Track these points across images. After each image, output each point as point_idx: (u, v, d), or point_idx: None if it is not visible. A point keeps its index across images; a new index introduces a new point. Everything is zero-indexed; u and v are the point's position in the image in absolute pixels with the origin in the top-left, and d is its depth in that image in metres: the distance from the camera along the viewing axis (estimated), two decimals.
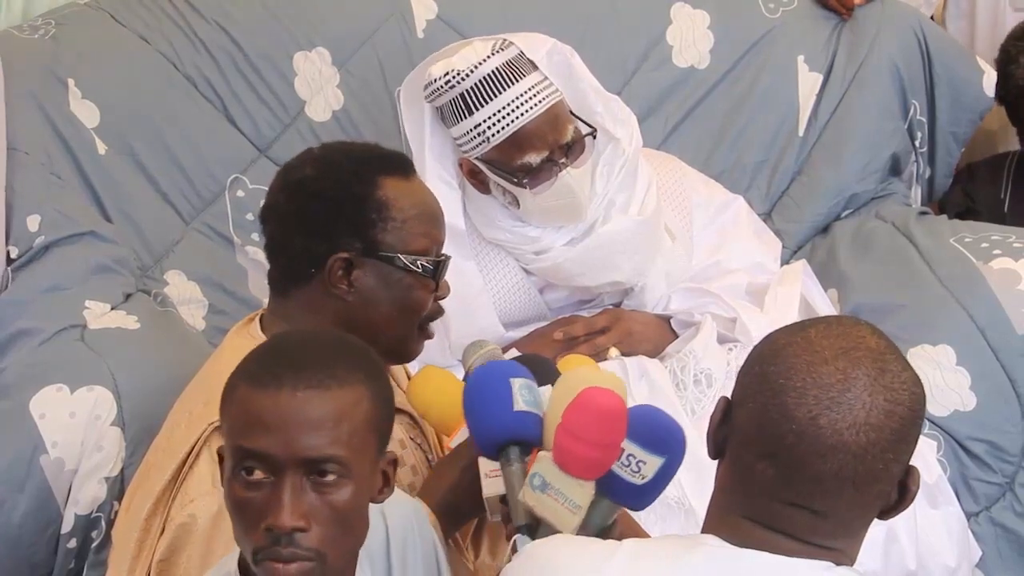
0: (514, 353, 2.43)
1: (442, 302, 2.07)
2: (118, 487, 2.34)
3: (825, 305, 2.77)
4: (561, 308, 2.71)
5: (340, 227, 1.95)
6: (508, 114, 2.41)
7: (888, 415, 1.42)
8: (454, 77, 2.42)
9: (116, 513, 2.17)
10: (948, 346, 2.57)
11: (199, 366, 2.08)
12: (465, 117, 2.43)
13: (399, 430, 2.00)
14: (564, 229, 2.57)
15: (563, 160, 2.46)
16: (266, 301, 2.07)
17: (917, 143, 3.16)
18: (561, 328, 2.62)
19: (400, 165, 2.03)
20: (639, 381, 2.49)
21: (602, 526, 1.69)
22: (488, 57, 2.42)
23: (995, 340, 2.57)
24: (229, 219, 2.91)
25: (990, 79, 3.17)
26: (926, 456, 2.48)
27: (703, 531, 1.52)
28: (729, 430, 1.50)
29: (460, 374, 2.03)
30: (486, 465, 1.76)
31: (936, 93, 3.14)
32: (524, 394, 1.73)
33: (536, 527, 1.67)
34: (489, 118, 2.41)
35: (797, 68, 3.11)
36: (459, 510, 1.88)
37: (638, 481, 1.66)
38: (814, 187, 3.04)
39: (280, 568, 1.42)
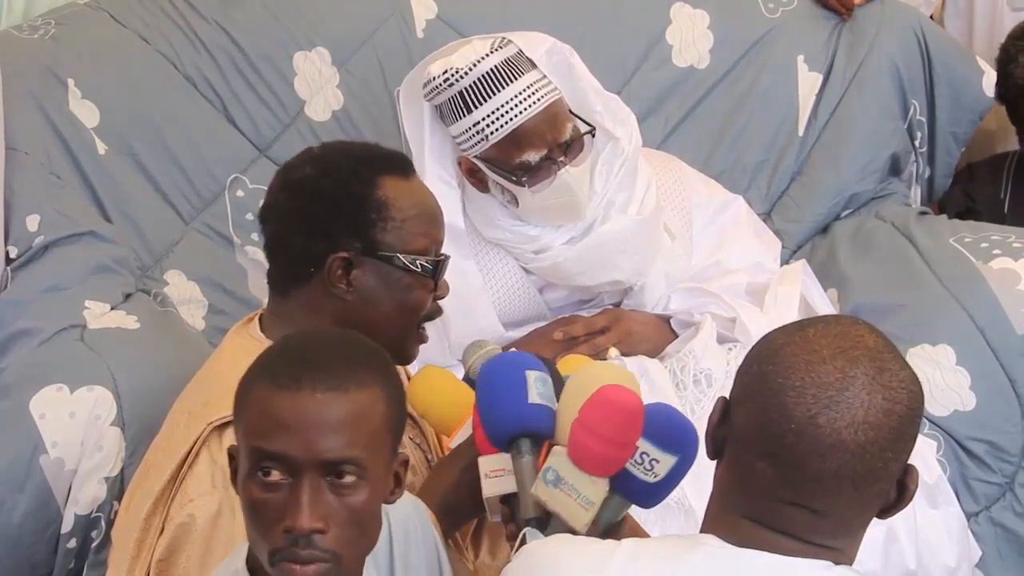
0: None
1: (442, 302, 2.07)
2: (118, 487, 2.34)
3: (825, 305, 2.77)
4: (561, 308, 2.71)
5: (340, 226, 1.95)
6: (507, 112, 2.41)
7: (887, 414, 1.42)
8: (453, 75, 2.42)
9: (116, 513, 2.17)
10: (948, 346, 2.57)
11: (199, 366, 2.08)
12: (464, 115, 2.43)
13: None
14: (563, 228, 2.57)
15: (562, 158, 2.46)
16: (266, 301, 2.07)
17: (917, 143, 3.16)
18: (561, 328, 2.62)
19: (400, 165, 2.03)
20: (639, 381, 2.48)
21: (612, 522, 1.70)
22: (487, 55, 2.42)
23: (995, 340, 2.57)
24: (229, 219, 2.91)
25: (990, 79, 3.17)
26: (926, 456, 2.48)
27: (702, 531, 1.52)
28: (728, 430, 1.50)
29: (460, 374, 2.03)
30: (486, 465, 1.77)
31: (936, 93, 3.14)
32: (539, 387, 1.73)
33: (546, 521, 1.68)
34: (488, 116, 2.41)
35: (797, 68, 3.11)
36: (459, 510, 1.88)
37: (651, 479, 1.67)
38: (814, 187, 3.04)
39: (297, 569, 1.42)
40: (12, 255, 2.61)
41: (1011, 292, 2.61)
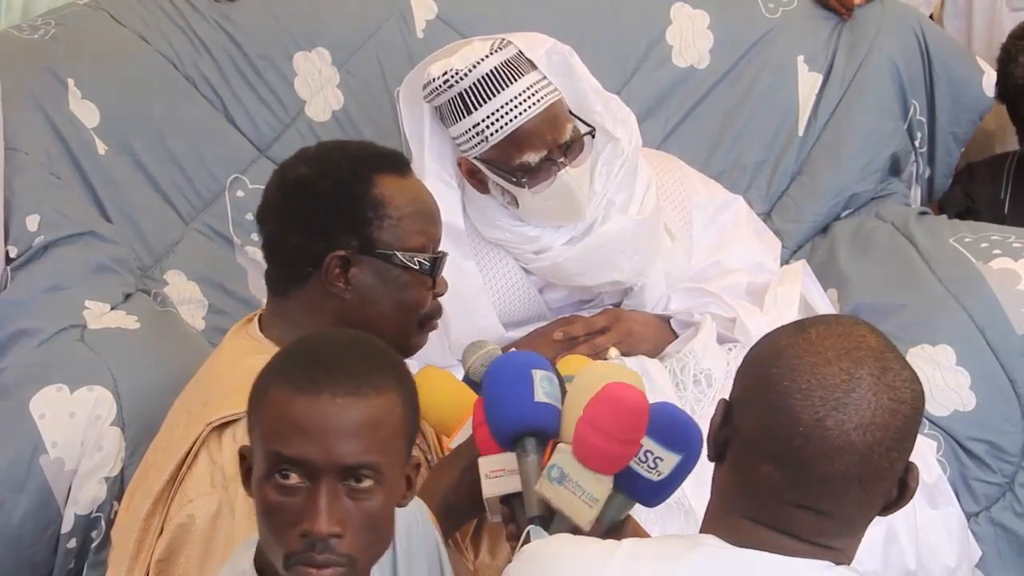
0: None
1: (442, 303, 2.07)
2: (118, 487, 2.34)
3: (825, 305, 2.77)
4: (561, 308, 2.71)
5: (337, 225, 1.96)
6: (507, 113, 2.41)
7: (892, 414, 1.43)
8: (453, 76, 2.42)
9: (116, 513, 2.17)
10: (948, 346, 2.57)
11: (199, 366, 2.08)
12: (464, 116, 2.43)
13: None
14: (563, 228, 2.56)
15: (562, 159, 2.46)
16: (265, 301, 2.07)
17: (917, 143, 3.16)
18: (561, 328, 2.62)
19: (396, 163, 2.03)
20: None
21: (615, 521, 1.71)
22: (487, 56, 2.42)
23: (995, 340, 2.57)
24: (229, 219, 2.91)
25: (990, 79, 3.17)
26: (926, 456, 2.48)
27: (702, 531, 1.52)
28: (730, 432, 1.50)
29: (460, 374, 2.03)
30: (486, 466, 1.77)
31: (936, 93, 3.15)
32: (545, 386, 1.74)
33: (550, 519, 1.68)
34: (488, 117, 2.41)
35: (797, 68, 3.11)
36: (459, 510, 1.88)
37: (654, 477, 1.68)
38: (814, 187, 3.04)
39: (314, 573, 1.42)
40: (12, 255, 2.61)
41: (1011, 292, 2.61)
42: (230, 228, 2.90)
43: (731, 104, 3.10)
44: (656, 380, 2.49)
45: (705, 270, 2.76)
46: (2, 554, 2.33)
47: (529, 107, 2.41)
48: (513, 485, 1.74)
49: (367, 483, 1.44)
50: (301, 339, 1.56)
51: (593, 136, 2.52)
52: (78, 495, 2.36)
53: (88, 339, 2.48)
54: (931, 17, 3.48)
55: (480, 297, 2.59)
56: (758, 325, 2.56)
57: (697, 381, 2.53)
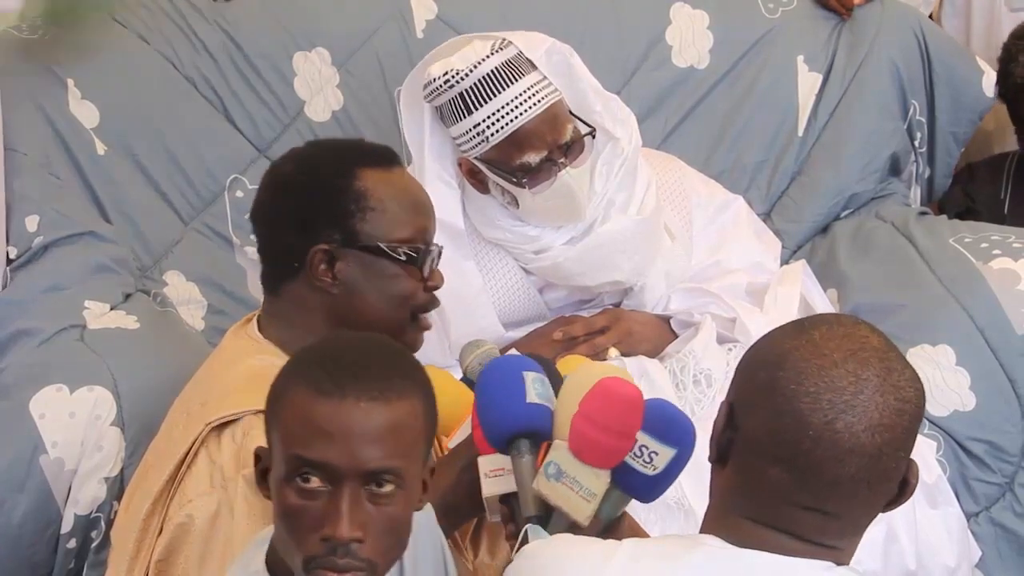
0: (513, 353, 2.43)
1: (443, 303, 2.07)
2: (118, 487, 2.35)
3: (825, 305, 2.77)
4: (561, 308, 2.71)
5: (318, 219, 1.96)
6: (507, 113, 2.41)
7: (899, 414, 1.43)
8: (453, 76, 2.42)
9: (116, 513, 2.17)
10: (948, 346, 2.57)
11: (199, 366, 2.08)
12: (464, 117, 2.43)
13: None
14: (563, 229, 2.56)
15: (562, 160, 2.45)
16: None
17: (917, 143, 3.16)
18: (561, 328, 2.62)
19: (381, 157, 2.03)
20: (639, 381, 2.48)
21: (611, 518, 1.71)
22: (487, 57, 2.42)
23: (995, 340, 2.57)
24: (228, 219, 2.91)
25: (989, 79, 3.17)
26: (926, 456, 2.48)
27: (702, 532, 1.52)
28: (733, 435, 1.50)
29: (459, 374, 2.03)
30: (485, 465, 1.77)
31: (936, 93, 3.14)
32: (537, 387, 1.74)
33: (547, 518, 1.69)
34: (488, 117, 2.41)
35: (797, 68, 3.11)
36: (458, 510, 1.88)
37: (650, 472, 1.68)
38: (814, 187, 3.04)
39: None
40: (11, 255, 2.61)
41: (1011, 292, 2.61)
42: (229, 228, 2.90)
43: (731, 104, 3.10)
44: (656, 380, 2.49)
45: (705, 270, 2.76)
46: (2, 554, 2.33)
47: (530, 107, 2.41)
48: (512, 484, 1.74)
49: (388, 488, 1.44)
50: (322, 341, 1.56)
51: (593, 136, 2.51)
52: (78, 495, 2.36)
53: (88, 339, 2.48)
54: (930, 17, 3.48)
55: (480, 297, 2.59)
56: (758, 325, 2.56)
57: (697, 381, 2.53)
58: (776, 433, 1.44)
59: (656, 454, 1.68)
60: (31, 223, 2.63)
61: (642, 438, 1.67)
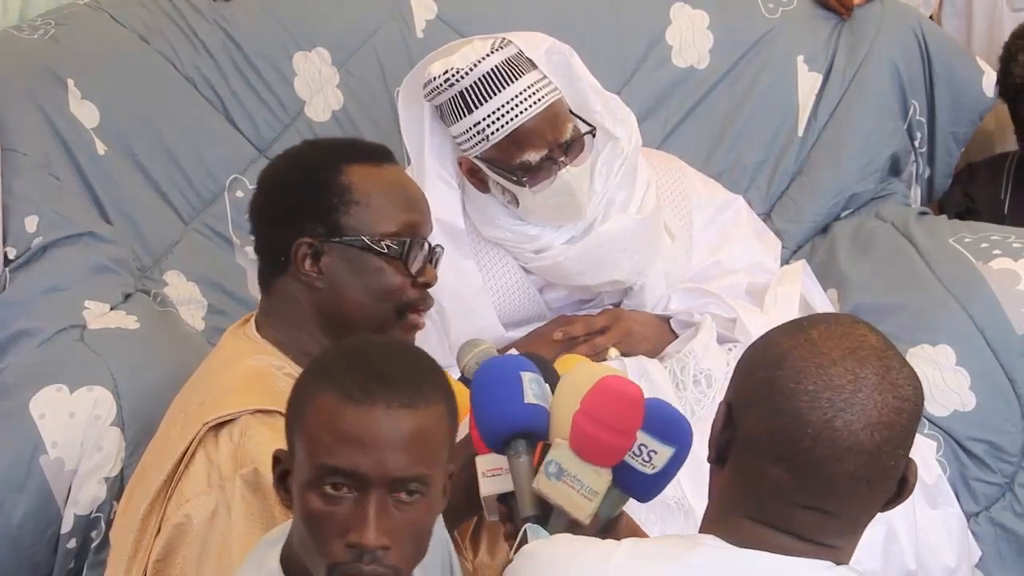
0: (513, 353, 2.43)
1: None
2: (118, 487, 2.35)
3: (825, 305, 2.77)
4: (561, 308, 2.70)
5: (302, 214, 1.98)
6: (507, 112, 2.41)
7: (897, 412, 1.43)
8: (453, 75, 2.42)
9: (115, 513, 2.17)
10: (948, 346, 2.57)
11: (198, 366, 2.08)
12: (464, 115, 2.43)
13: None
14: (563, 228, 2.56)
15: (562, 158, 2.45)
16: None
17: (917, 143, 3.16)
18: (561, 328, 2.62)
19: (371, 153, 2.05)
20: (639, 381, 2.46)
21: (610, 516, 1.72)
22: (487, 55, 2.42)
23: (995, 340, 2.57)
24: (228, 219, 2.91)
25: (990, 79, 3.17)
26: (926, 456, 2.48)
27: (701, 532, 1.52)
28: (732, 435, 1.50)
29: (459, 374, 2.03)
30: (483, 464, 1.77)
31: (936, 93, 3.14)
32: (534, 388, 1.74)
33: (545, 518, 1.69)
34: (488, 116, 2.41)
35: (797, 68, 3.11)
36: (456, 510, 1.87)
37: (649, 471, 1.68)
38: (814, 187, 3.04)
39: None
40: (11, 256, 2.61)
41: (1011, 292, 2.61)
42: (229, 228, 2.90)
43: (731, 104, 3.10)
44: (656, 380, 2.49)
45: (705, 270, 2.76)
46: (2, 554, 2.34)
47: (530, 106, 2.41)
48: (510, 484, 1.74)
49: (414, 495, 1.44)
50: (345, 345, 1.55)
51: (593, 135, 2.51)
52: (78, 495, 2.36)
53: (88, 339, 2.48)
54: (930, 18, 3.47)
55: (480, 297, 2.59)
56: (758, 325, 2.55)
57: (697, 381, 2.53)
58: (775, 432, 1.44)
59: (655, 453, 1.68)
60: (30, 223, 2.63)
61: (641, 437, 1.68)
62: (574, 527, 1.67)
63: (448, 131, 2.49)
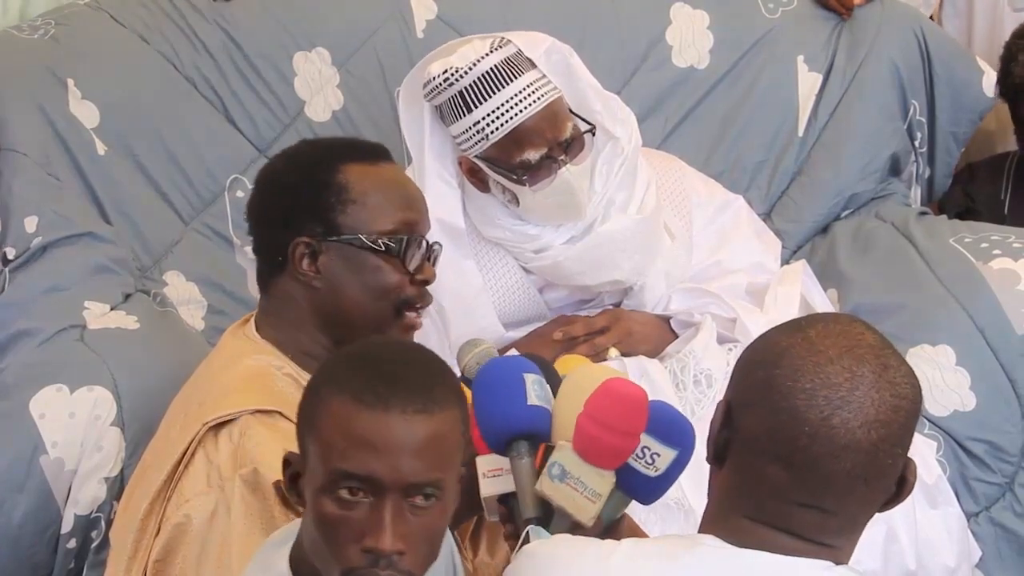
0: (513, 353, 2.43)
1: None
2: (118, 487, 2.34)
3: (825, 305, 2.77)
4: (561, 308, 2.70)
5: (299, 213, 1.98)
6: (507, 111, 2.41)
7: (895, 410, 1.44)
8: (453, 75, 2.42)
9: (116, 513, 2.17)
10: (948, 346, 2.57)
11: (198, 366, 2.08)
12: (464, 115, 2.43)
13: None
14: (564, 227, 2.56)
15: (562, 157, 2.45)
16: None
17: (917, 143, 3.16)
18: (561, 328, 2.62)
19: (367, 152, 2.05)
20: (639, 381, 2.46)
21: (612, 518, 1.72)
22: (486, 55, 2.42)
23: (995, 340, 2.57)
24: (228, 219, 2.91)
25: (990, 79, 3.16)
26: (926, 456, 2.48)
27: (700, 532, 1.52)
28: (730, 434, 1.50)
29: (458, 374, 2.03)
30: (484, 465, 1.77)
31: (936, 93, 3.14)
32: (537, 389, 1.74)
33: (547, 520, 1.69)
34: (488, 115, 2.41)
35: (797, 68, 3.11)
36: (457, 510, 1.88)
37: (652, 473, 1.69)
38: (814, 187, 3.04)
39: None
40: (10, 256, 2.61)
41: (1011, 292, 2.61)
42: (229, 228, 2.90)
43: (731, 104, 3.09)
44: (656, 380, 2.49)
45: (705, 270, 2.76)
46: (2, 554, 2.34)
47: (529, 104, 2.41)
48: (510, 484, 1.74)
49: (430, 500, 1.44)
50: (356, 348, 1.55)
51: (593, 134, 2.51)
52: (78, 495, 2.36)
53: (88, 339, 2.48)
54: (931, 18, 3.47)
55: (480, 297, 2.59)
56: (758, 325, 2.55)
57: (697, 381, 2.53)
58: (773, 430, 1.44)
59: (658, 455, 1.68)
60: (30, 224, 2.63)
61: (644, 439, 1.68)
62: (576, 529, 1.67)
63: (448, 131, 2.49)
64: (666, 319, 2.69)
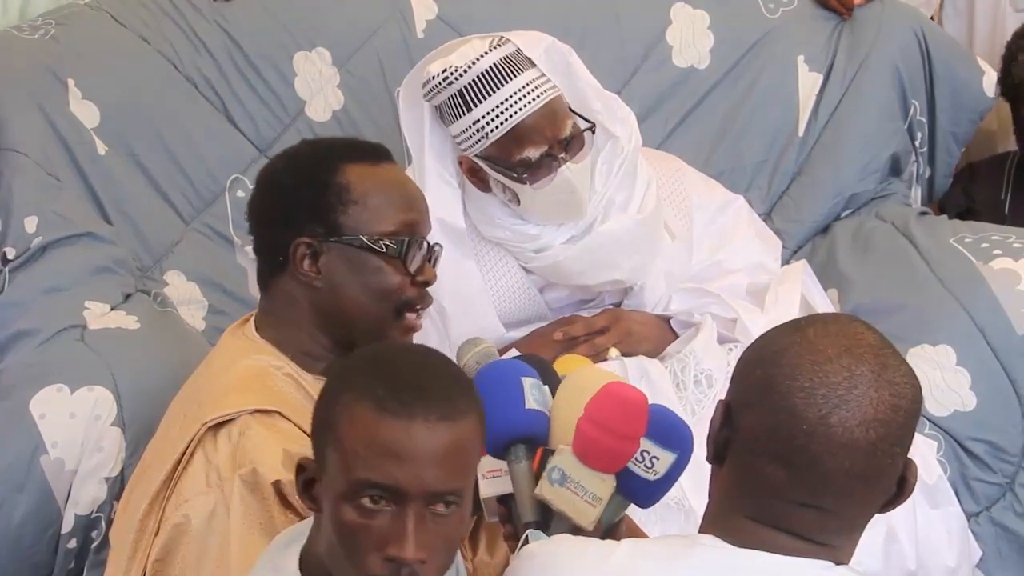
0: (514, 353, 2.43)
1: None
2: (118, 487, 2.34)
3: (825, 305, 2.77)
4: (561, 308, 2.70)
5: (300, 213, 1.98)
6: (506, 109, 2.41)
7: (894, 409, 1.44)
8: (452, 74, 2.42)
9: (115, 513, 2.17)
10: (948, 346, 2.57)
11: (199, 366, 2.08)
12: (464, 114, 2.43)
13: None
14: (564, 227, 2.56)
15: (562, 155, 2.45)
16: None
17: (917, 143, 3.16)
18: (561, 328, 2.62)
19: (368, 152, 2.05)
20: (639, 381, 2.48)
21: (611, 522, 1.72)
22: (485, 53, 2.42)
23: (995, 340, 2.57)
24: (229, 219, 2.91)
25: (990, 79, 3.16)
26: (926, 456, 2.48)
27: (700, 531, 1.52)
28: (731, 434, 1.50)
29: None
30: (483, 466, 1.76)
31: (936, 93, 3.14)
32: (534, 393, 1.74)
33: (546, 523, 1.69)
34: (487, 114, 2.41)
35: (797, 68, 3.11)
36: None
37: (651, 477, 1.69)
38: (814, 187, 3.04)
39: None
40: (10, 256, 2.61)
41: (1011, 292, 2.61)
42: (230, 228, 2.90)
43: (731, 104, 3.09)
44: (656, 380, 2.49)
45: (705, 270, 2.76)
46: (2, 554, 2.34)
47: (529, 103, 2.41)
48: (510, 485, 1.74)
49: (451, 507, 1.44)
50: (372, 354, 1.54)
51: (593, 132, 2.51)
52: (78, 495, 2.36)
53: (88, 339, 2.48)
54: (931, 18, 3.47)
55: (480, 297, 2.59)
56: (759, 325, 2.55)
57: (698, 381, 2.53)
58: (772, 429, 1.44)
59: (657, 459, 1.68)
60: (30, 224, 2.63)
61: (643, 443, 1.68)
62: (576, 533, 1.67)
63: (448, 131, 2.49)
64: (666, 319, 2.69)
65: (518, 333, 2.65)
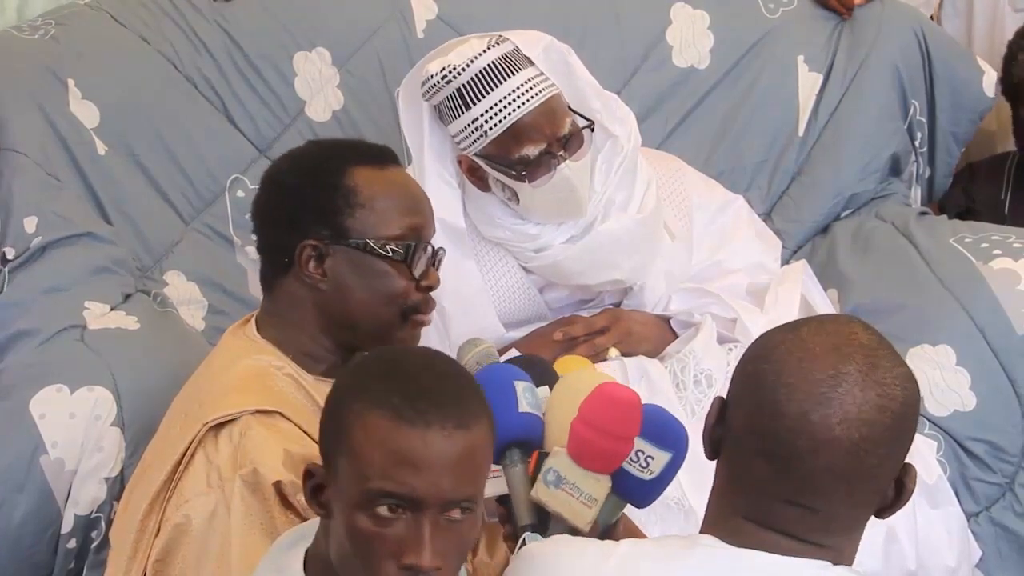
0: (514, 353, 2.44)
1: (443, 303, 2.07)
2: (118, 487, 2.34)
3: (825, 305, 2.77)
4: (561, 308, 2.70)
5: (307, 215, 1.98)
6: (505, 107, 2.41)
7: (880, 410, 1.43)
8: (450, 72, 2.42)
9: (115, 513, 2.17)
10: (948, 346, 2.57)
11: (199, 366, 2.08)
12: (462, 113, 2.43)
13: None
14: (564, 227, 2.56)
15: (561, 153, 2.45)
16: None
17: (917, 143, 3.16)
18: (561, 328, 2.62)
19: (374, 155, 2.04)
20: (639, 381, 2.48)
21: (608, 523, 1.72)
22: (483, 52, 2.42)
23: (995, 340, 2.57)
24: (229, 219, 2.91)
25: (990, 79, 3.16)
26: (926, 456, 2.48)
27: (701, 532, 1.53)
28: (724, 429, 1.51)
29: None
30: None
31: (936, 93, 3.14)
32: (528, 396, 1.74)
33: (543, 526, 1.69)
34: (486, 112, 2.41)
35: (797, 68, 3.11)
36: None
37: (646, 476, 1.69)
38: (814, 187, 3.04)
39: None
40: (9, 256, 2.61)
41: (1011, 292, 2.61)
42: (230, 228, 2.90)
43: (731, 104, 3.10)
44: (656, 380, 2.49)
45: (705, 270, 2.76)
46: (2, 554, 2.34)
47: (527, 100, 2.41)
48: None
49: (465, 514, 1.44)
50: (380, 359, 1.52)
51: (592, 130, 2.51)
52: (78, 495, 2.36)
53: (88, 339, 2.48)
54: (931, 18, 3.47)
55: (480, 297, 2.59)
56: (758, 325, 2.55)
57: (697, 381, 2.53)
58: (757, 425, 1.45)
59: (652, 458, 1.69)
60: (29, 224, 2.63)
61: (638, 443, 1.69)
62: (573, 534, 1.67)
63: (447, 130, 2.49)
64: (666, 319, 2.69)
65: (518, 333, 2.65)
